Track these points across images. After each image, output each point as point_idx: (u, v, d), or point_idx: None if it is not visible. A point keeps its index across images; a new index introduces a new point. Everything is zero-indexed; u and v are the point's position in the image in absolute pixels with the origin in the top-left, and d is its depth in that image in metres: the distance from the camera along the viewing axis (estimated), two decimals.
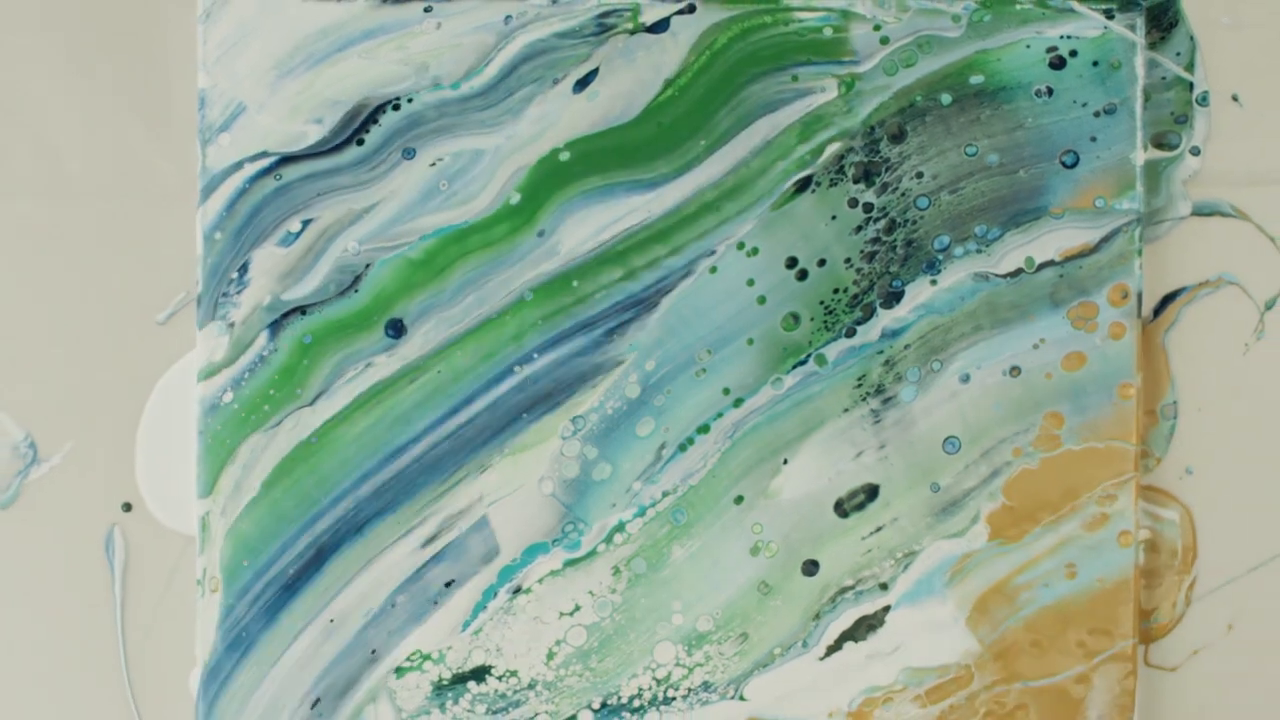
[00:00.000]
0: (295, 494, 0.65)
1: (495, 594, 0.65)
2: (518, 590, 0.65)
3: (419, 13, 0.65)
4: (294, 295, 0.65)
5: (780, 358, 0.65)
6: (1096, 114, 0.65)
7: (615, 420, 0.65)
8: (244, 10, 0.65)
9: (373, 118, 0.65)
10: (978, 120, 0.66)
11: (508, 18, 0.65)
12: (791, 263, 0.65)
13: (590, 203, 0.65)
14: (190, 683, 0.66)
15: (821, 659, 0.65)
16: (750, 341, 0.65)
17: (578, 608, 0.65)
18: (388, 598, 0.65)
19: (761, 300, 0.65)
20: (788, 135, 0.65)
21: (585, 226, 0.65)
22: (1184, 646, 0.67)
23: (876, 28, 0.65)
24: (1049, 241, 0.65)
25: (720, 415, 0.65)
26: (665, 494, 0.65)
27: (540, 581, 0.65)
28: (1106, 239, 0.65)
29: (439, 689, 0.65)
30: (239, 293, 0.65)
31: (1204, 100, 0.67)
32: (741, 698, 0.65)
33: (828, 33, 0.65)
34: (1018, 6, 0.65)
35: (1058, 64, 0.65)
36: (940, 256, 0.65)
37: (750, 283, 0.65)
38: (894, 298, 0.65)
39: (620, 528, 0.65)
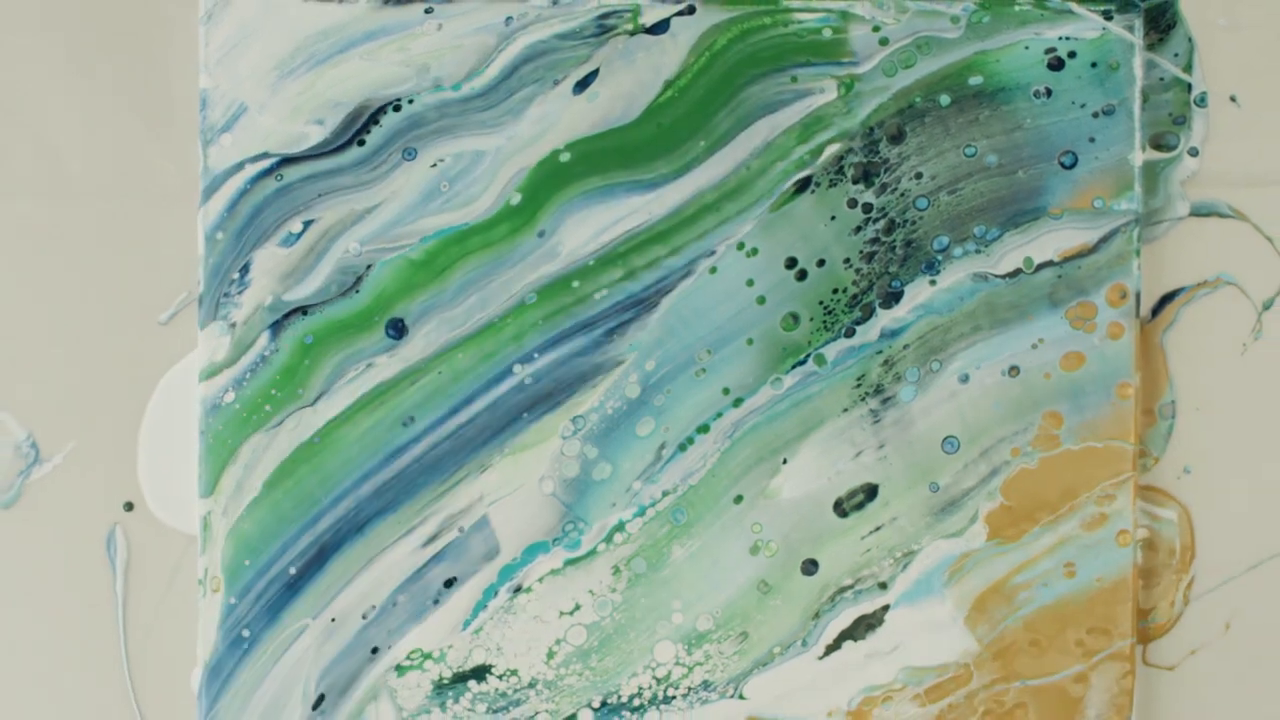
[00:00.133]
0: (296, 494, 0.65)
1: (496, 593, 0.65)
2: (518, 589, 0.65)
3: (420, 14, 0.65)
4: (295, 296, 0.65)
5: (780, 358, 0.66)
6: (1095, 115, 0.66)
7: (615, 420, 0.65)
8: (245, 11, 0.65)
9: (374, 119, 0.65)
10: (976, 121, 0.66)
11: (508, 19, 0.65)
12: (791, 263, 0.66)
13: (590, 203, 0.65)
14: (192, 682, 0.66)
15: (821, 658, 0.65)
16: (750, 341, 0.66)
17: (578, 607, 0.65)
18: (389, 597, 0.65)
19: (761, 300, 0.66)
20: (787, 136, 0.65)
21: (585, 227, 0.65)
22: (1182, 646, 0.67)
23: (876, 29, 0.66)
24: (1048, 242, 0.65)
25: (720, 415, 0.65)
26: (665, 493, 0.65)
27: (540, 581, 0.65)
28: (1105, 239, 0.65)
29: (439, 688, 0.65)
30: (240, 293, 0.65)
31: (1202, 101, 0.67)
32: (741, 696, 0.65)
33: (827, 34, 0.66)
34: (1016, 8, 0.66)
35: (1056, 65, 0.65)
36: (939, 257, 0.66)
37: (750, 283, 0.66)
38: (893, 298, 0.66)
39: (620, 527, 0.65)
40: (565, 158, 0.65)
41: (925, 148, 0.66)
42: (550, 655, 0.65)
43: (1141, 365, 0.66)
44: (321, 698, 0.65)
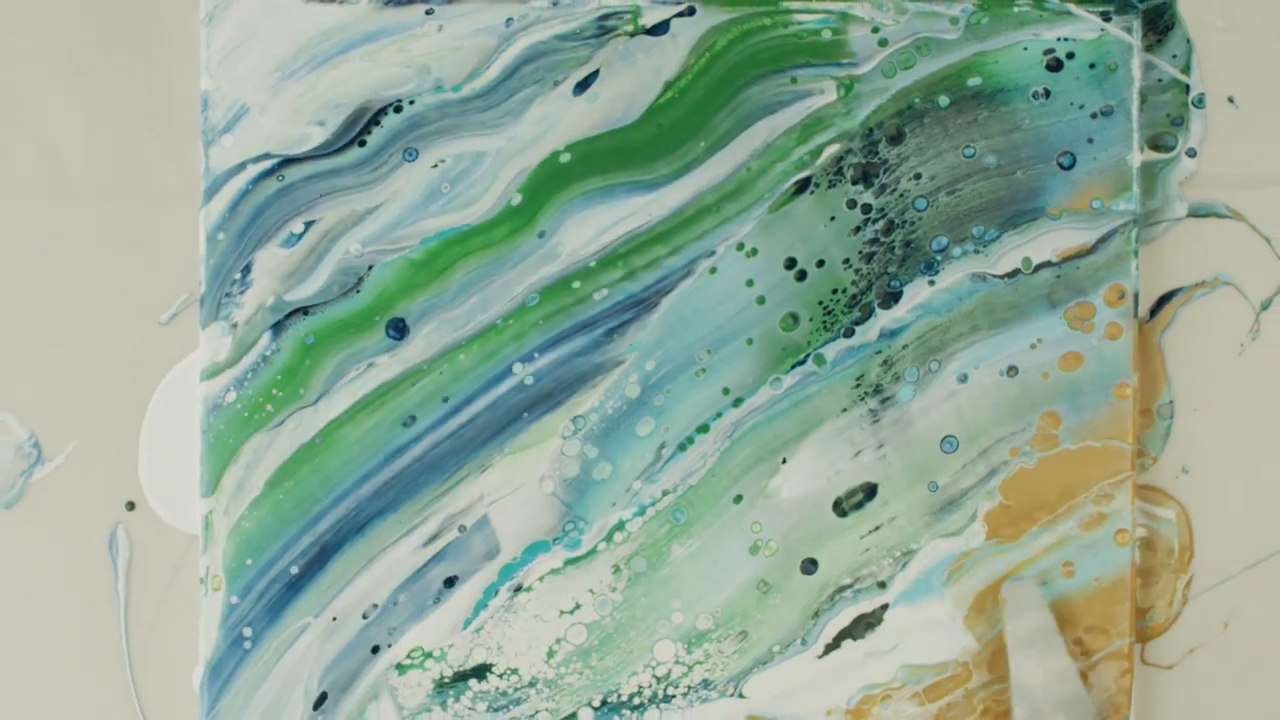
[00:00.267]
0: (298, 493, 0.65)
1: (496, 592, 0.65)
2: (518, 588, 0.65)
3: (420, 15, 0.65)
4: (297, 296, 0.65)
5: (779, 358, 0.66)
6: (1093, 116, 0.66)
7: (615, 420, 0.66)
8: (246, 13, 0.65)
9: (375, 120, 0.65)
10: (975, 122, 0.66)
11: (509, 20, 0.65)
12: (790, 263, 0.66)
13: (591, 204, 0.65)
14: (193, 680, 0.66)
15: (820, 657, 0.65)
16: (749, 341, 0.66)
17: (578, 606, 0.66)
18: (390, 596, 0.65)
19: (761, 300, 0.66)
20: (787, 137, 0.66)
21: (586, 227, 0.65)
22: (1180, 645, 0.67)
23: (875, 30, 0.66)
24: (1046, 242, 0.66)
25: (720, 415, 0.66)
26: (665, 493, 0.66)
27: (541, 580, 0.65)
28: (1103, 240, 0.66)
29: (440, 686, 0.65)
30: (242, 293, 0.65)
31: (1200, 102, 0.67)
32: (741, 695, 0.66)
33: (826, 35, 0.66)
34: (1015, 9, 0.66)
35: (1055, 66, 0.66)
36: (938, 257, 0.66)
37: (749, 283, 0.66)
38: (892, 298, 0.66)
39: (620, 526, 0.66)
40: (565, 158, 0.65)
41: (924, 148, 0.66)
42: (550, 654, 0.65)
43: (1140, 365, 0.66)
44: (323, 696, 0.65)
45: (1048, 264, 0.66)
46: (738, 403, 0.65)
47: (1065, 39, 0.66)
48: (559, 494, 0.65)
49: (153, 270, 0.67)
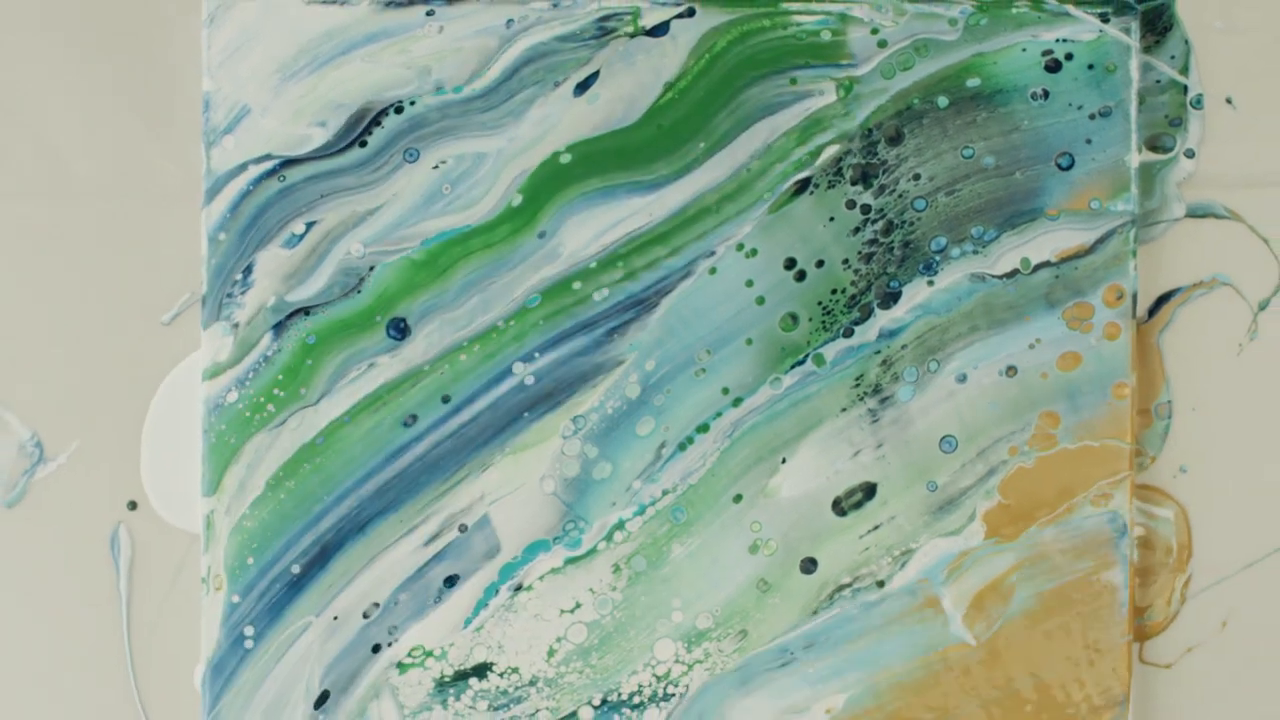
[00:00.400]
0: (299, 493, 0.65)
1: (497, 591, 0.66)
2: (519, 588, 0.66)
3: (421, 16, 0.66)
4: (298, 296, 0.65)
5: (779, 358, 0.66)
6: (1092, 116, 0.66)
7: (615, 419, 0.66)
8: (247, 14, 0.65)
9: (376, 121, 0.65)
10: (974, 123, 0.66)
11: (509, 21, 0.66)
12: (790, 264, 0.66)
13: (591, 204, 0.66)
14: (195, 679, 0.66)
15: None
16: (749, 342, 0.66)
17: (578, 605, 0.66)
18: (391, 595, 0.65)
19: (760, 301, 0.66)
20: (786, 138, 0.66)
21: (586, 228, 0.66)
22: (1178, 644, 0.67)
23: (874, 31, 0.66)
24: (1045, 243, 0.66)
25: (719, 415, 0.66)
26: (665, 492, 0.66)
27: (541, 579, 0.66)
28: (1101, 240, 0.66)
29: (441, 685, 0.65)
30: (243, 294, 0.65)
31: (1198, 103, 0.67)
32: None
33: (826, 36, 0.66)
34: (1014, 10, 0.66)
35: (1053, 67, 0.66)
36: (937, 258, 0.66)
37: (749, 283, 0.66)
38: (891, 298, 0.66)
39: (620, 526, 0.66)
40: (566, 159, 0.65)
41: (923, 149, 0.66)
42: (551, 653, 0.66)
43: (1138, 365, 0.67)
44: (324, 695, 0.65)
45: (1046, 264, 0.66)
46: (737, 402, 0.66)
47: (1064, 40, 0.66)
48: (559, 493, 0.66)
49: (154, 270, 0.67)
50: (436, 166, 0.65)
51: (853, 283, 0.66)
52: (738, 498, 0.66)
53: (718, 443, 0.66)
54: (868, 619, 0.65)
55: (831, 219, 0.66)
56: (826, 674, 0.65)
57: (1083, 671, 0.65)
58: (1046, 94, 0.66)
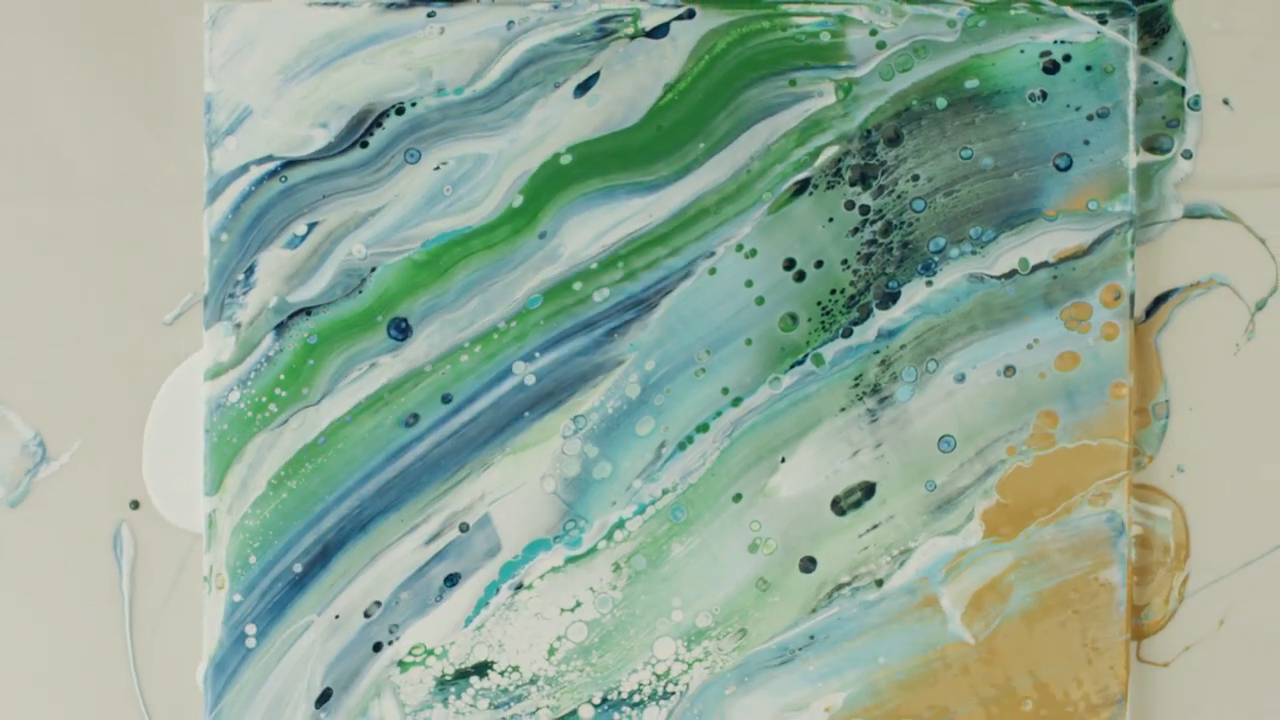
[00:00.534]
0: (301, 492, 0.65)
1: (497, 590, 0.66)
2: (519, 586, 0.66)
3: (422, 18, 0.66)
4: (300, 297, 0.66)
5: (778, 358, 0.66)
6: (1090, 118, 0.66)
7: (616, 419, 0.66)
8: (249, 16, 0.65)
9: (377, 122, 0.66)
10: (973, 124, 0.66)
11: (510, 23, 0.66)
12: (789, 264, 0.66)
13: (591, 205, 0.66)
14: (197, 678, 0.66)
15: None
16: (749, 342, 0.66)
17: (579, 604, 0.66)
18: (392, 594, 0.65)
19: (760, 301, 0.66)
20: (786, 139, 0.66)
21: (586, 229, 0.66)
22: (1176, 642, 0.67)
23: (873, 33, 0.66)
24: (1043, 243, 0.66)
25: (719, 414, 0.66)
26: (665, 492, 0.66)
27: (542, 578, 0.66)
28: (1099, 241, 0.66)
29: (442, 684, 0.66)
30: (245, 294, 0.65)
31: (1196, 104, 0.67)
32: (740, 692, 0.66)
33: (825, 38, 0.66)
34: (1012, 12, 0.66)
35: (1051, 68, 0.66)
36: (936, 258, 0.66)
37: (749, 284, 0.66)
38: (890, 299, 0.66)
39: (620, 525, 0.66)
40: (566, 160, 0.66)
41: (922, 150, 0.66)
42: (551, 652, 0.66)
43: (1135, 365, 0.67)
44: (326, 693, 0.65)
45: (1044, 265, 0.66)
46: (737, 402, 0.66)
47: (1062, 42, 0.66)
48: (560, 493, 0.66)
49: (156, 271, 0.67)
50: (438, 167, 0.66)
51: (852, 283, 0.66)
52: (737, 497, 0.66)
53: (717, 442, 0.66)
54: (867, 618, 0.66)
55: (831, 220, 0.66)
56: (826, 672, 0.66)
57: (1080, 670, 0.66)
58: (1045, 95, 0.66)
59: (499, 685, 0.65)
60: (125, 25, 0.67)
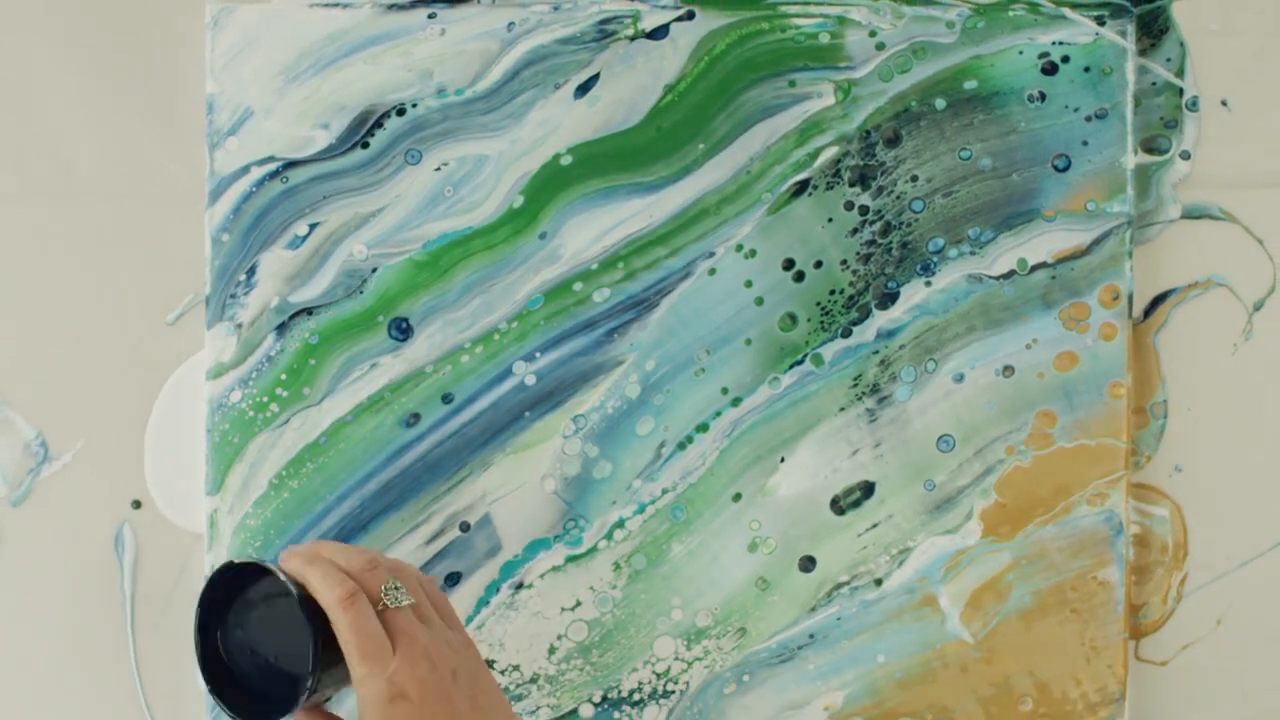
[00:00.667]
0: (302, 492, 0.65)
1: (498, 589, 0.66)
2: (520, 586, 0.66)
3: (423, 19, 0.66)
4: (301, 297, 0.66)
5: (777, 358, 0.66)
6: (1088, 119, 0.66)
7: (616, 419, 0.66)
8: (250, 17, 0.66)
9: (378, 123, 0.66)
10: (971, 125, 0.66)
11: (510, 24, 0.66)
12: (789, 264, 0.66)
13: (591, 206, 0.66)
14: (199, 677, 0.66)
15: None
16: (748, 342, 0.66)
17: (579, 603, 0.66)
18: None
19: (759, 301, 0.66)
20: (785, 140, 0.66)
21: (587, 229, 0.66)
22: (1174, 641, 0.68)
23: (872, 34, 0.66)
24: (1041, 244, 0.66)
25: (719, 414, 0.66)
26: (665, 491, 0.66)
27: (542, 577, 0.66)
28: (1098, 241, 0.66)
29: None
30: (247, 294, 0.66)
31: (1194, 105, 0.68)
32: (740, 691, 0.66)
33: (824, 39, 0.66)
34: (1011, 13, 0.66)
35: (1050, 70, 0.66)
36: (934, 258, 0.66)
37: (748, 284, 0.66)
38: (889, 299, 0.66)
39: (620, 524, 0.66)
40: (567, 161, 0.66)
41: (921, 151, 0.66)
42: (552, 651, 0.66)
43: (1133, 365, 0.67)
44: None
45: (1043, 265, 0.66)
46: (736, 402, 0.66)
47: (1060, 43, 0.66)
48: (560, 492, 0.66)
49: (158, 271, 0.67)
50: (438, 168, 0.66)
51: (851, 283, 0.66)
52: (737, 497, 0.66)
53: (717, 442, 0.66)
54: (866, 617, 0.66)
55: (830, 220, 0.66)
56: (825, 671, 0.66)
57: (1079, 669, 0.66)
58: (1043, 96, 0.66)
59: (500, 684, 0.65)
60: (127, 26, 0.67)
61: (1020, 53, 0.66)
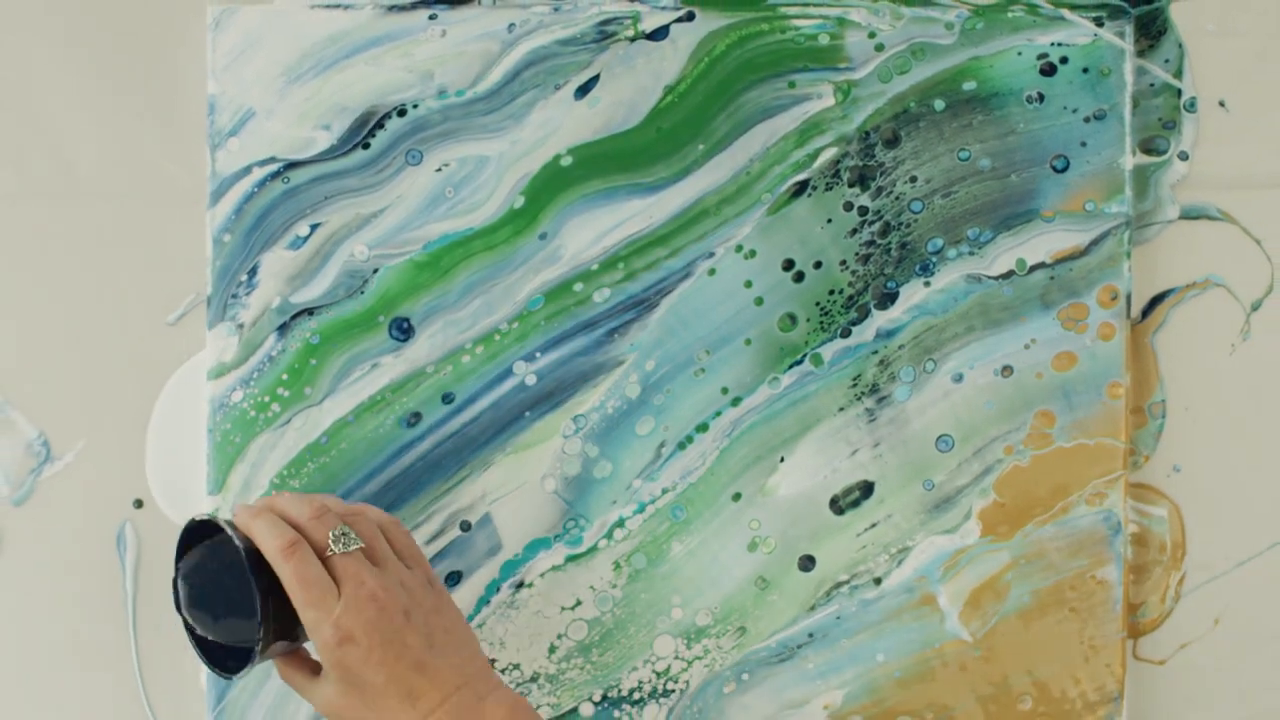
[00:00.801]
0: (303, 492, 0.65)
1: (498, 589, 0.66)
2: (520, 585, 0.66)
3: (424, 20, 0.66)
4: (302, 298, 0.66)
5: (777, 358, 0.66)
6: (1086, 119, 0.66)
7: (616, 419, 0.66)
8: (252, 18, 0.66)
9: (379, 123, 0.66)
10: (970, 126, 0.66)
11: (511, 25, 0.66)
12: (788, 265, 0.66)
13: (592, 206, 0.66)
14: (201, 677, 0.66)
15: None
16: (748, 342, 0.66)
17: (579, 602, 0.66)
18: None
19: (759, 301, 0.66)
20: (785, 140, 0.66)
21: (587, 230, 0.66)
22: (1172, 640, 0.68)
23: (871, 35, 0.66)
24: (1040, 244, 0.66)
25: (719, 414, 0.66)
26: (665, 491, 0.66)
27: (542, 576, 0.66)
28: (1096, 242, 0.66)
29: None
30: (248, 294, 0.66)
31: (1192, 106, 0.68)
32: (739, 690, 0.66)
33: (824, 40, 0.66)
34: (1009, 14, 0.66)
35: (1048, 71, 0.66)
36: (933, 259, 0.66)
37: (748, 284, 0.66)
38: (888, 299, 0.66)
39: (621, 524, 0.66)
40: (567, 162, 0.66)
41: (920, 152, 0.66)
42: (552, 650, 0.66)
43: (1132, 365, 0.67)
44: None
45: (1041, 265, 0.66)
46: (736, 402, 0.66)
47: (1059, 44, 0.66)
48: (560, 492, 0.66)
49: (160, 271, 0.67)
50: (439, 169, 0.66)
51: (850, 284, 0.66)
52: (737, 496, 0.66)
53: (717, 442, 0.66)
54: (865, 616, 0.66)
55: (829, 221, 0.66)
56: (825, 670, 0.66)
57: (1077, 668, 0.66)
58: (1042, 97, 0.66)
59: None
60: (128, 27, 0.67)
61: (1019, 54, 0.66)
